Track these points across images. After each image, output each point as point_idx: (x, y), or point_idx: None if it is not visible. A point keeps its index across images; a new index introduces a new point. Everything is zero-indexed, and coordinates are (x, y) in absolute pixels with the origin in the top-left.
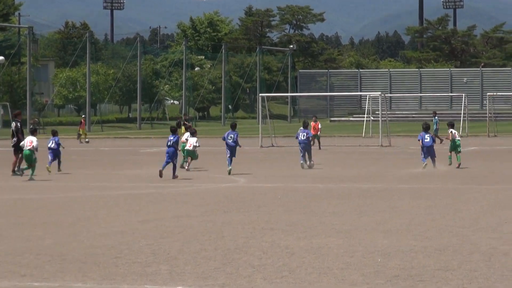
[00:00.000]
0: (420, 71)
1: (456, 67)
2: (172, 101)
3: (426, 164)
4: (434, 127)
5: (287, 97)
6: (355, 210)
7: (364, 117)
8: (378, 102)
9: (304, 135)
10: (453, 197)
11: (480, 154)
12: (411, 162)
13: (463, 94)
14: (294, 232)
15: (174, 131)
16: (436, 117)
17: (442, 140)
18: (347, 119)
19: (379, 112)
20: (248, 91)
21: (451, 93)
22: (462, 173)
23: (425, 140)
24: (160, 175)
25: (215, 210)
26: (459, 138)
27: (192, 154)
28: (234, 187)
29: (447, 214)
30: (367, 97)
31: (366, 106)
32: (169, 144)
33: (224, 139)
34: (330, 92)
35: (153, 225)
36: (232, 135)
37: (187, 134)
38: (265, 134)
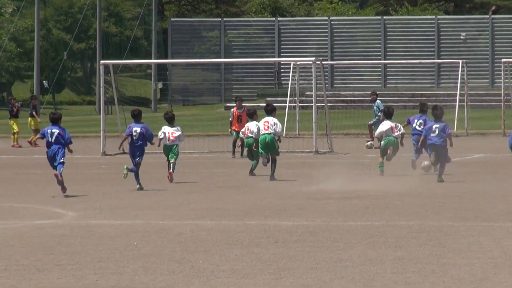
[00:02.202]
0: (384, 20)
1: (447, 13)
2: None
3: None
4: (375, 118)
5: (149, 66)
6: (270, 265)
7: (286, 102)
8: (311, 76)
9: (421, 123)
10: (441, 243)
11: (490, 166)
12: (369, 179)
13: (460, 61)
14: None
15: (56, 120)
16: (378, 101)
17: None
18: (257, 104)
19: (313, 93)
20: (66, 57)
21: (439, 59)
22: (455, 202)
23: (432, 135)
24: (58, 182)
25: (19, 267)
26: (398, 133)
27: (273, 146)
28: (54, 225)
29: (432, 272)
30: (291, 67)
31: (290, 83)
32: (51, 140)
33: (128, 135)
34: (225, 57)
35: None
36: (137, 129)
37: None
38: (112, 131)
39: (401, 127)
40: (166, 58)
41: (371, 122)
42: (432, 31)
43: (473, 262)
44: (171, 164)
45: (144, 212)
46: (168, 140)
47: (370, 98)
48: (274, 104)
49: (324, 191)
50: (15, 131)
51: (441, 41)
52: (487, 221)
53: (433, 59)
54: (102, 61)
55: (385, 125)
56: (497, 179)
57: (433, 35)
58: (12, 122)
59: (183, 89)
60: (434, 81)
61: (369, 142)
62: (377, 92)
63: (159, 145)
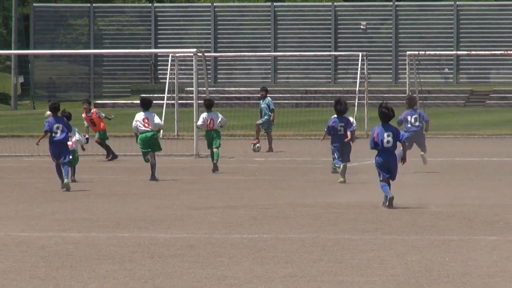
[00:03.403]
0: (275, 6)
1: None
2: None
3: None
4: (263, 117)
5: (9, 58)
6: (145, 283)
7: (163, 99)
8: (192, 69)
9: (415, 118)
10: (337, 258)
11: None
12: (256, 186)
13: (359, 54)
14: None
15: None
16: (268, 98)
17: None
18: (130, 101)
19: (194, 89)
20: None
21: (336, 51)
22: (354, 213)
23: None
24: None
25: None
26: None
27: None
28: None
29: None
30: (169, 59)
31: (168, 77)
32: None
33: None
34: (95, 48)
35: None
36: (60, 125)
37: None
38: None
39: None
40: (28, 48)
41: (260, 121)
42: (328, 19)
43: (373, 280)
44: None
45: (1, 223)
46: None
47: (259, 95)
48: (156, 102)
49: (205, 200)
50: None
51: (339, 31)
52: (389, 234)
53: (330, 51)
54: None
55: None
56: (400, 187)
57: (330, 24)
58: None
59: (47, 83)
60: (330, 76)
61: (256, 145)
62: (267, 88)
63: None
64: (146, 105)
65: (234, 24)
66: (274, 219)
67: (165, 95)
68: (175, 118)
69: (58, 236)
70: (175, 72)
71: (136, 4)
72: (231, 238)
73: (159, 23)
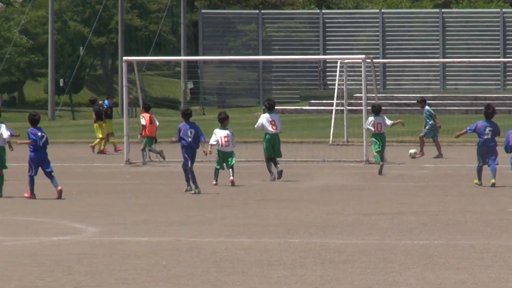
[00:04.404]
0: (443, 13)
1: None
2: None
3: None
4: (426, 127)
5: (178, 64)
6: None
7: (332, 105)
8: (361, 76)
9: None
10: (509, 265)
11: None
12: (426, 192)
13: None
14: None
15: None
16: (427, 107)
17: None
18: (300, 107)
19: (362, 95)
20: (84, 52)
21: (505, 57)
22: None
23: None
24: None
25: None
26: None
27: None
28: (73, 242)
29: None
30: (338, 65)
31: (336, 84)
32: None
33: (180, 139)
34: (263, 54)
35: None
36: (193, 130)
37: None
38: (137, 137)
39: None
40: (196, 54)
41: (422, 134)
42: (497, 26)
43: None
44: (230, 170)
45: (173, 228)
46: (221, 145)
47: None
48: (321, 108)
49: (376, 206)
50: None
51: (507, 37)
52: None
53: (499, 57)
54: (125, 58)
55: None
56: None
57: (498, 31)
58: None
59: (216, 89)
60: (499, 82)
61: (410, 151)
62: (425, 98)
63: (210, 153)
64: (272, 107)
65: (402, 31)
66: (445, 226)
67: (334, 101)
68: (344, 124)
69: (228, 242)
70: (344, 78)
71: (305, 11)
72: (402, 244)
73: (327, 29)
